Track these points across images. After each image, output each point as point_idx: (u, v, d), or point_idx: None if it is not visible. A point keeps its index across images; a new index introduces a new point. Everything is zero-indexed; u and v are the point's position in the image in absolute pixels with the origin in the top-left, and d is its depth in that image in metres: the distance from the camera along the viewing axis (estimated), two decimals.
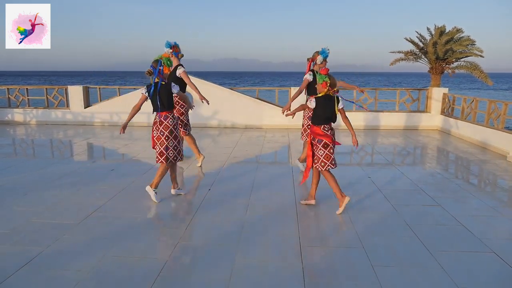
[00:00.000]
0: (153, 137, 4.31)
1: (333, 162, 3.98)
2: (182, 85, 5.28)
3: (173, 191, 4.61)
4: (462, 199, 4.53)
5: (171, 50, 5.21)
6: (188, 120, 5.69)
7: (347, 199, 3.97)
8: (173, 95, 4.31)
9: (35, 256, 3.07)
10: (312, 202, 4.28)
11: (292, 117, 4.44)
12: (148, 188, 4.34)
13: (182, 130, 5.58)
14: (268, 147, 7.45)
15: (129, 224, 3.74)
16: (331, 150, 3.98)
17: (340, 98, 4.00)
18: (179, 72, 5.26)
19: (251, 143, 7.83)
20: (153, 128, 4.33)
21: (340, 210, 4.00)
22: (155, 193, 4.34)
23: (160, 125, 4.22)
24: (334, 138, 4.05)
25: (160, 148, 4.24)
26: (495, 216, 3.99)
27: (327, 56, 4.93)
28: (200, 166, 5.86)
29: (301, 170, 5.59)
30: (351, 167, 6.11)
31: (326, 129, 3.96)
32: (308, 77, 5.03)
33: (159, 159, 4.26)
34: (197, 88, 5.24)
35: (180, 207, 4.36)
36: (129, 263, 2.99)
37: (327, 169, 3.98)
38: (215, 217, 3.94)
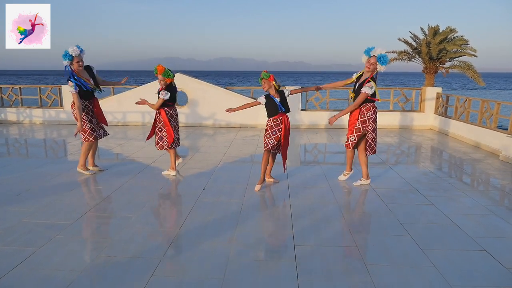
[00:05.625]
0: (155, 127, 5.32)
1: (265, 146, 4.91)
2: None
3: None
4: (455, 198, 4.57)
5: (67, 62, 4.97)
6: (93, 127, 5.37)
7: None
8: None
9: (28, 256, 3.06)
10: (270, 181, 5.14)
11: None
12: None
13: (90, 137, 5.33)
14: (263, 147, 7.44)
15: (123, 224, 3.73)
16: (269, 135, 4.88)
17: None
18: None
19: (246, 143, 7.84)
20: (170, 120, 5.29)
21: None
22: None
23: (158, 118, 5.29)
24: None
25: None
26: (487, 215, 4.04)
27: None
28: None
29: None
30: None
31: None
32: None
33: (171, 145, 5.29)
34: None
35: (174, 206, 4.36)
36: (123, 263, 2.99)
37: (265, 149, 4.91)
38: (209, 216, 3.94)
